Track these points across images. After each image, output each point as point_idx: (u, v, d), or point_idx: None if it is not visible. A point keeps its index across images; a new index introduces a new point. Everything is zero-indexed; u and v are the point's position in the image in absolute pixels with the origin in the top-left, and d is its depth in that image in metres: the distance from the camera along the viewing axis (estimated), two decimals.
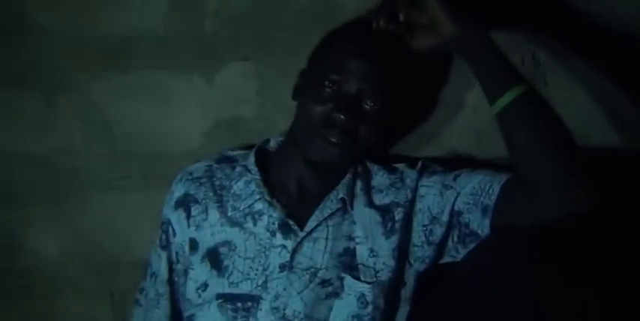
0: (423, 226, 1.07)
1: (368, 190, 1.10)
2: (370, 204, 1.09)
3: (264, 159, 1.13)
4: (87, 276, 1.34)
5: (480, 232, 1.01)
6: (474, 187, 1.01)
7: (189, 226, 1.10)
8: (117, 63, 1.25)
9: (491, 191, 0.99)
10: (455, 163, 1.13)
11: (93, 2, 1.22)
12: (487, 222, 0.99)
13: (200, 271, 1.08)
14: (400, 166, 1.13)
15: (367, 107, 1.02)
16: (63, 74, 1.26)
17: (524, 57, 1.19)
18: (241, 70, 1.24)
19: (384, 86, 1.02)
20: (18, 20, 1.23)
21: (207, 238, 1.09)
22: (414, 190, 1.08)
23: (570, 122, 0.97)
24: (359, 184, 1.10)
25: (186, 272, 1.11)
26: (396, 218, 1.07)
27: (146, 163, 1.28)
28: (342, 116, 1.00)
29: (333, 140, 1.01)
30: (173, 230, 1.12)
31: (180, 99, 1.26)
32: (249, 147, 1.18)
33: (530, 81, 0.97)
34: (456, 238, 1.04)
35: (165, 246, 1.14)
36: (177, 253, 1.13)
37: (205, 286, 1.08)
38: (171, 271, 1.13)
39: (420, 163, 1.12)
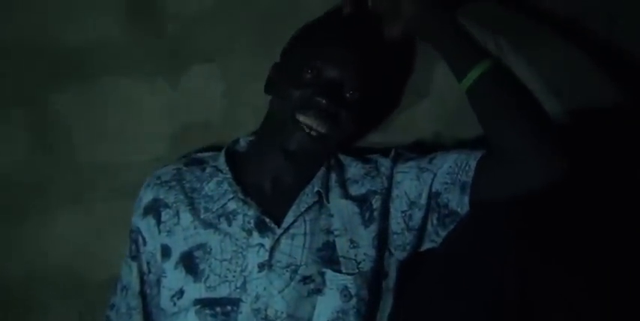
0: (402, 212, 1.04)
1: (343, 182, 1.07)
2: (346, 195, 1.06)
3: (235, 159, 1.09)
4: (54, 297, 1.27)
5: (459, 210, 0.99)
6: (450, 166, 1.00)
7: (159, 232, 1.05)
8: (75, 72, 1.21)
9: (467, 168, 0.98)
10: (426, 150, 1.11)
11: (47, 12, 1.19)
12: (466, 199, 0.98)
13: (174, 278, 1.03)
14: (373, 156, 1.11)
15: (348, 96, 1.01)
16: (18, 86, 1.21)
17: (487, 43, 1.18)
18: (206, 72, 1.21)
19: (365, 74, 1.01)
20: None
21: (180, 243, 1.04)
22: (390, 178, 1.06)
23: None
24: (333, 176, 1.07)
25: (158, 282, 1.06)
26: (374, 206, 1.05)
27: (111, 174, 1.23)
28: (323, 100, 0.98)
29: (313, 126, 0.99)
30: (143, 239, 1.07)
31: (144, 105, 1.22)
32: (218, 149, 1.14)
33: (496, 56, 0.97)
34: (435, 221, 1.02)
35: (136, 256, 1.09)
36: (148, 262, 1.08)
37: (181, 293, 1.02)
38: (142, 282, 1.08)
39: (393, 151, 1.10)
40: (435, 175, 1.01)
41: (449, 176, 1.00)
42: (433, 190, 1.01)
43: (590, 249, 1.01)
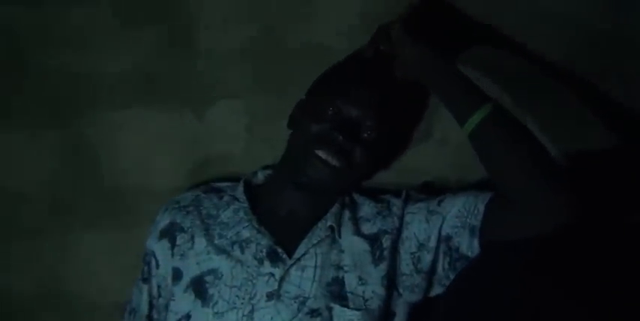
0: (411, 253, 1.06)
1: (356, 220, 1.10)
2: (358, 233, 1.08)
3: (252, 190, 1.12)
4: (63, 320, 1.28)
5: (469, 253, 1.00)
6: (459, 210, 1.02)
7: (173, 255, 1.08)
8: (108, 100, 1.26)
9: (476, 211, 1.00)
10: (436, 192, 1.13)
11: (84, 39, 1.24)
12: (476, 242, 0.99)
13: (182, 302, 1.05)
14: (386, 196, 1.14)
15: (365, 135, 1.05)
16: (54, 110, 1.26)
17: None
18: (230, 107, 1.25)
19: (382, 115, 1.05)
20: (9, 55, 1.24)
21: (192, 267, 1.06)
22: (401, 218, 1.08)
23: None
24: (347, 213, 1.10)
25: (167, 307, 1.07)
26: (384, 246, 1.06)
27: (132, 201, 1.26)
28: (339, 136, 1.02)
29: (328, 159, 1.02)
30: (156, 261, 1.10)
31: (169, 135, 1.26)
32: (236, 181, 1.18)
33: (496, 99, 0.99)
34: (447, 265, 1.03)
35: (147, 279, 1.11)
36: (159, 286, 1.10)
37: (188, 317, 1.04)
38: (151, 306, 1.10)
39: (404, 192, 1.12)
40: (444, 218, 1.03)
41: (458, 220, 1.02)
42: (443, 233, 1.03)
43: (605, 288, 1.01)
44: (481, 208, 0.99)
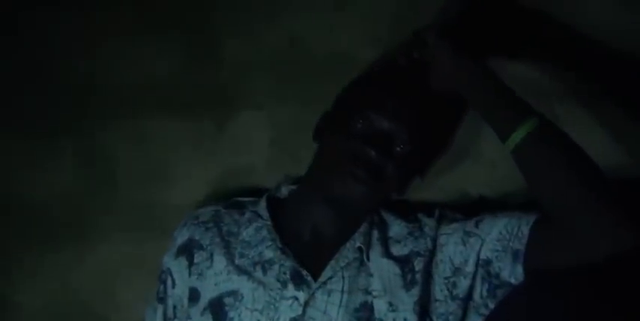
0: (445, 278, 0.99)
1: (385, 241, 1.03)
2: (388, 255, 1.01)
3: (275, 206, 1.06)
4: None
5: (512, 280, 0.93)
6: (500, 232, 0.95)
7: (190, 274, 1.02)
8: (126, 109, 1.22)
9: (520, 234, 0.93)
10: (470, 212, 1.06)
11: (108, 46, 1.21)
12: (520, 268, 0.92)
13: None
14: (417, 214, 1.07)
15: (398, 149, 0.99)
16: (70, 119, 1.22)
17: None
18: (254, 119, 1.20)
19: (417, 128, 0.99)
20: (30, 61, 1.20)
21: (211, 288, 1.00)
22: (434, 239, 1.02)
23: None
24: (375, 233, 1.03)
25: None
26: (416, 269, 1.00)
27: (148, 215, 1.21)
28: (372, 152, 0.96)
29: (361, 176, 0.97)
30: (173, 280, 1.04)
31: (190, 147, 1.21)
32: (258, 196, 1.12)
33: (542, 113, 0.92)
34: (485, 293, 0.96)
35: (163, 298, 1.05)
36: (174, 307, 1.04)
37: None
38: None
39: (437, 211, 1.06)
40: (483, 241, 0.97)
41: (499, 243, 0.95)
42: (482, 257, 0.97)
43: None
44: (525, 231, 0.93)
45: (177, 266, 1.04)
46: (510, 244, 0.94)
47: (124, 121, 1.21)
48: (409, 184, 1.06)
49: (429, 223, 1.04)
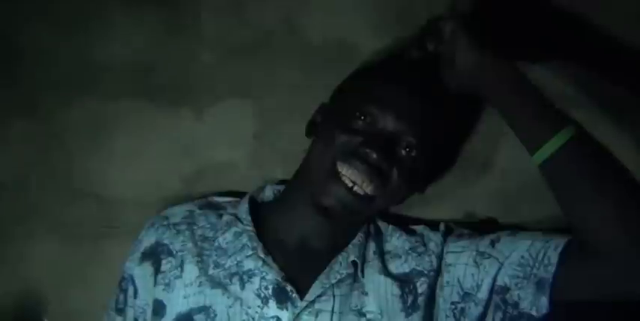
0: (452, 303, 0.87)
1: (382, 255, 0.90)
2: (386, 272, 0.89)
3: (259, 210, 0.93)
4: None
5: (533, 312, 0.81)
6: (523, 256, 0.83)
7: (155, 283, 0.88)
8: (92, 89, 1.07)
9: (546, 261, 0.80)
10: (478, 228, 0.95)
11: (72, 22, 1.06)
12: (544, 300, 0.80)
13: None
14: (419, 227, 0.95)
15: (403, 153, 0.86)
16: (26, 96, 1.07)
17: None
18: (238, 107, 1.07)
19: (427, 130, 0.86)
20: None
21: (179, 302, 0.86)
22: (440, 257, 0.89)
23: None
24: (372, 246, 0.91)
25: None
26: (419, 291, 0.87)
27: (108, 209, 1.07)
28: (373, 154, 0.83)
29: (357, 181, 0.84)
30: (135, 289, 0.90)
31: (163, 136, 1.07)
32: (239, 196, 0.98)
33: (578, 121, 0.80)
34: None
35: (122, 309, 0.91)
36: (135, 319, 0.89)
37: None
38: None
39: (442, 225, 0.93)
40: (501, 265, 0.84)
41: (521, 269, 0.82)
42: (499, 283, 0.84)
43: None
44: (553, 257, 0.80)
45: (141, 273, 0.89)
46: (534, 271, 0.81)
47: (89, 104, 1.06)
48: (411, 194, 0.93)
49: (433, 238, 0.91)
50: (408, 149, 0.86)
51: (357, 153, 0.84)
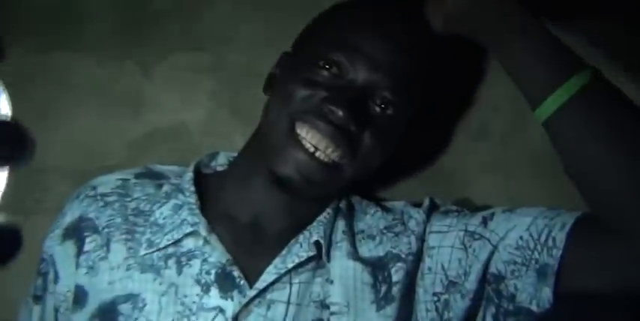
0: (434, 294, 0.71)
1: (352, 235, 0.75)
2: (355, 256, 0.73)
3: (207, 180, 0.77)
4: None
5: (533, 307, 0.65)
6: (521, 237, 0.67)
7: (78, 266, 0.72)
8: (27, 39, 0.92)
9: (550, 242, 0.65)
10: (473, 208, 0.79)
11: None
12: (547, 291, 0.64)
13: None
14: (398, 204, 0.80)
15: (377, 110, 0.71)
16: None
17: None
18: (191, 63, 0.92)
19: (407, 81, 0.71)
20: None
21: (103, 288, 0.71)
22: (421, 239, 0.74)
23: None
24: (341, 225, 0.75)
25: None
26: (394, 279, 0.72)
27: (38, 180, 0.91)
28: (339, 111, 0.68)
29: (319, 145, 0.69)
30: (56, 273, 0.75)
31: (103, 94, 0.92)
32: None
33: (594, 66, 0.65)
34: (490, 318, 0.68)
35: (40, 297, 0.76)
36: (56, 310, 0.75)
37: None
38: None
39: (427, 201, 0.78)
40: (494, 248, 0.69)
41: (519, 253, 0.67)
42: (491, 270, 0.69)
43: None
44: (560, 237, 0.65)
45: (63, 253, 0.74)
46: (535, 255, 0.66)
47: (14, 56, 0.90)
48: (388, 161, 0.77)
49: (414, 215, 0.76)
50: (383, 106, 0.71)
51: (319, 111, 0.69)
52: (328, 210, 0.75)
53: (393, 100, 0.71)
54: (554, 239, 0.65)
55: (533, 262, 0.65)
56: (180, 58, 0.92)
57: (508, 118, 0.87)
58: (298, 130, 0.69)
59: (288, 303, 0.69)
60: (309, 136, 0.69)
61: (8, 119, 0.62)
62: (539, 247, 0.65)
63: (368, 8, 0.74)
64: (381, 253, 0.74)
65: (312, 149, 0.69)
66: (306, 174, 0.69)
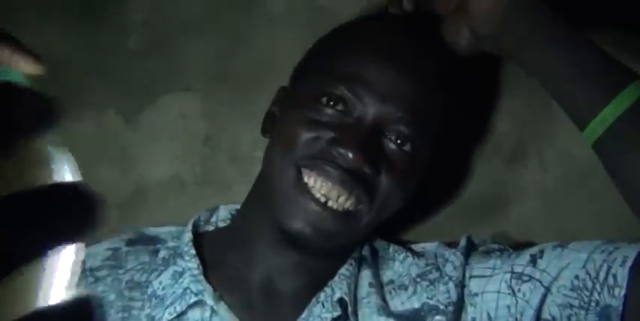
0: None
1: (381, 287, 0.66)
2: (387, 311, 0.64)
3: (208, 240, 0.68)
4: None
5: None
6: (577, 276, 0.58)
7: None
8: None
9: (611, 280, 0.56)
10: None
11: None
12: None
13: None
14: (430, 245, 0.70)
15: (393, 147, 0.62)
16: None
17: None
18: (180, 104, 0.83)
19: (423, 113, 0.63)
20: None
21: None
22: (460, 285, 0.65)
23: None
24: (366, 276, 0.66)
25: None
26: None
27: None
28: (349, 154, 0.59)
29: (330, 193, 0.60)
30: None
31: (84, 148, 0.83)
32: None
33: None
34: None
35: None
36: None
37: None
38: None
39: (463, 240, 0.69)
40: (547, 290, 0.60)
41: (575, 294, 0.58)
42: (544, 316, 0.60)
43: None
44: (621, 273, 0.56)
45: None
46: (595, 296, 0.57)
47: None
48: (410, 201, 0.68)
49: (451, 258, 0.66)
50: (399, 142, 0.62)
51: (327, 155, 0.60)
52: (350, 260, 0.66)
53: (410, 133, 0.62)
54: (614, 277, 0.56)
55: (593, 304, 0.57)
56: (166, 101, 0.83)
57: (543, 134, 0.78)
58: (306, 179, 0.60)
59: None
60: (319, 185, 0.60)
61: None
62: (598, 286, 0.57)
63: (371, 31, 0.66)
64: (417, 305, 0.64)
65: (323, 199, 0.60)
66: (318, 226, 0.60)
